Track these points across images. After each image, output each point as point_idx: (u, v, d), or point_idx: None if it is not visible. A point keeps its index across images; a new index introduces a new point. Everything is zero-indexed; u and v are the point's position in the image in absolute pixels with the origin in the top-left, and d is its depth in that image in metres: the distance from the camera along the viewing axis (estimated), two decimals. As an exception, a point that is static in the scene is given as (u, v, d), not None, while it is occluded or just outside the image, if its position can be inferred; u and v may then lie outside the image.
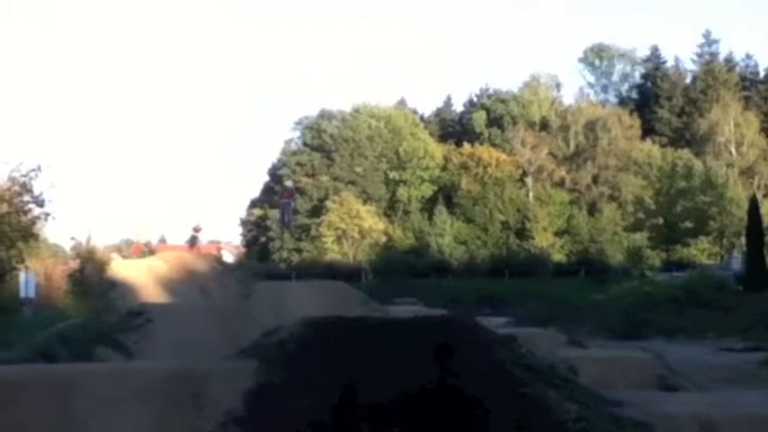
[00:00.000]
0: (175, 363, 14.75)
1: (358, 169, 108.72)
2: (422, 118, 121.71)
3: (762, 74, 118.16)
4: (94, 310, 32.00)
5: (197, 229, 56.98)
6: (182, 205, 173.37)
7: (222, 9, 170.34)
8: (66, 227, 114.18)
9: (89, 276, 41.00)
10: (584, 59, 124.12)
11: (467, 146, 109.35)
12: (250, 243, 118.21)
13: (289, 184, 59.57)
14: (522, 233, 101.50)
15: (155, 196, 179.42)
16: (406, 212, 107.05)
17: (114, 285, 40.25)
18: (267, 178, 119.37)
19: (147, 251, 58.09)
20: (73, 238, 48.43)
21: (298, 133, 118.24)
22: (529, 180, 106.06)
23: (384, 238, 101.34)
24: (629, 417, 14.11)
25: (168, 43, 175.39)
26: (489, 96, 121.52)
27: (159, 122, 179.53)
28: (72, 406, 12.98)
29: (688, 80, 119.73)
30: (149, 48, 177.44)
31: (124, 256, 53.62)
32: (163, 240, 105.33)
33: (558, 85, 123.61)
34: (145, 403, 13.14)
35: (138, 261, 49.30)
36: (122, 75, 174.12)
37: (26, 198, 35.92)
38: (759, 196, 77.64)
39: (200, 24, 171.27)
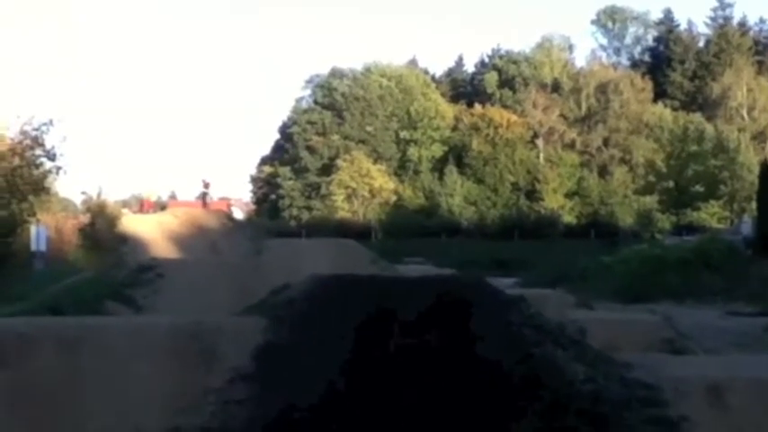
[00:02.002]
0: (184, 318, 14.74)
1: (369, 128, 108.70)
2: (433, 78, 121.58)
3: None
4: (105, 265, 32.06)
5: (206, 185, 57.04)
6: (192, 162, 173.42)
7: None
8: (77, 181, 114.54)
9: (100, 231, 41.09)
10: (597, 21, 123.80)
11: (478, 107, 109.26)
12: (260, 200, 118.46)
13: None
14: (532, 195, 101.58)
15: (165, 152, 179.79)
16: (417, 172, 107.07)
17: (125, 240, 40.27)
18: (278, 136, 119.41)
19: (159, 207, 58.16)
20: (84, 193, 48.68)
21: (309, 91, 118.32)
22: (540, 142, 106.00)
23: (394, 198, 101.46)
24: (638, 379, 14.12)
25: (181, 1, 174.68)
26: (501, 57, 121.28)
27: (171, 79, 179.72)
28: (80, 360, 13.00)
29: (701, 44, 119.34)
30: (162, 3, 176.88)
31: (135, 212, 53.72)
32: (173, 196, 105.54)
33: (570, 47, 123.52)
34: (153, 358, 13.17)
35: (149, 216, 49.35)
36: (135, 30, 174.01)
37: (38, 152, 35.99)
38: (770, 161, 77.38)
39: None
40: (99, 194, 46.55)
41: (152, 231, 42.19)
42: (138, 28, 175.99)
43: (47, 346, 12.99)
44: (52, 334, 13.46)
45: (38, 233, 35.92)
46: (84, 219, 43.41)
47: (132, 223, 43.62)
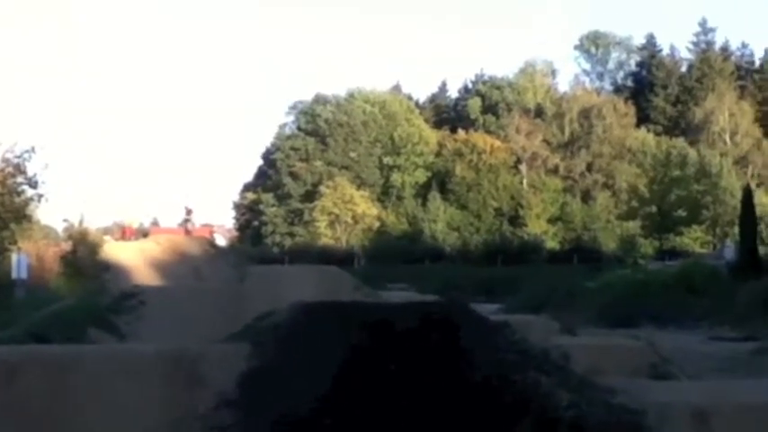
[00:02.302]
0: (168, 345, 14.72)
1: (352, 154, 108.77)
2: (417, 104, 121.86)
3: (757, 63, 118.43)
4: (87, 292, 31.96)
5: (188, 212, 57.00)
6: (175, 188, 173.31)
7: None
8: (58, 209, 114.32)
9: (82, 258, 41.02)
10: (580, 47, 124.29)
11: (461, 132, 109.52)
12: (243, 227, 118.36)
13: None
14: (515, 220, 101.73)
15: (148, 179, 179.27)
16: (400, 198, 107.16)
17: (107, 267, 40.25)
18: (261, 162, 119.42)
19: (141, 234, 58.04)
20: (65, 220, 48.51)
21: (292, 117, 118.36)
22: (523, 167, 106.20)
23: (377, 224, 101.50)
24: (622, 404, 14.11)
25: (161, 26, 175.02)
26: (485, 83, 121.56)
27: (153, 105, 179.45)
28: (66, 388, 12.96)
29: (683, 69, 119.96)
30: (141, 30, 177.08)
31: (117, 239, 53.60)
32: (156, 223, 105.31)
33: (553, 72, 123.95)
34: (137, 385, 13.12)
35: (131, 243, 49.29)
36: (115, 58, 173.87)
37: (19, 179, 35.96)
38: (753, 185, 77.83)
39: (195, 7, 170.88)
40: (81, 222, 46.48)
41: (134, 258, 42.18)
42: (120, 56, 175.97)
43: (32, 374, 12.94)
44: (38, 361, 13.41)
45: (19, 261, 35.77)
46: (66, 246, 43.32)
47: (114, 250, 43.61)
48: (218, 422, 12.69)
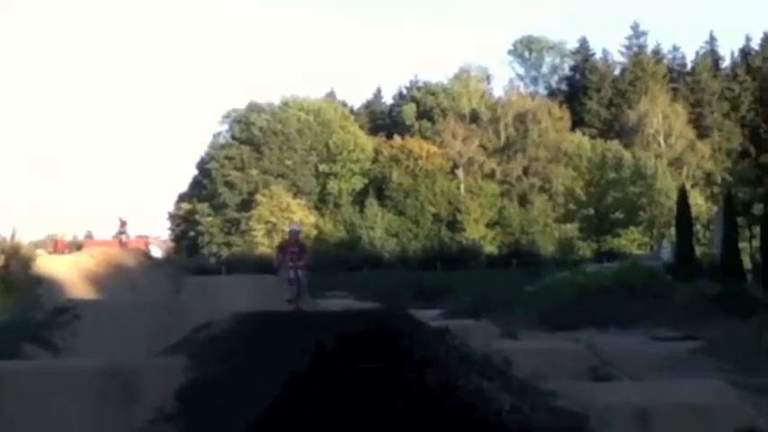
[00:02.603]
0: (104, 360, 14.48)
1: (288, 162, 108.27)
2: (352, 110, 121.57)
3: (689, 65, 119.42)
4: (21, 307, 31.50)
5: (123, 223, 56.45)
6: (109, 200, 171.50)
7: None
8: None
9: (14, 273, 40.37)
10: (514, 51, 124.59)
11: (397, 138, 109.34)
12: (179, 237, 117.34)
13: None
14: (453, 225, 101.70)
15: (81, 191, 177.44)
16: (337, 205, 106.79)
17: (41, 282, 39.63)
18: (195, 172, 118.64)
19: (75, 246, 57.37)
20: (-4, 234, 47.69)
21: (226, 126, 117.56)
22: (460, 172, 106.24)
23: (315, 232, 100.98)
24: (564, 407, 14.07)
25: (94, 34, 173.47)
26: (419, 89, 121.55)
27: (84, 114, 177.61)
28: (0, 404, 12.71)
29: (617, 72, 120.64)
30: (75, 36, 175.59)
31: (50, 252, 52.92)
32: (90, 235, 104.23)
33: (488, 78, 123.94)
34: (74, 401, 12.90)
35: (65, 257, 48.62)
36: (45, 65, 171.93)
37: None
38: (688, 186, 78.36)
39: (127, 14, 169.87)
40: (13, 235, 45.76)
41: (68, 272, 41.57)
42: (51, 63, 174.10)
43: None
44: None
45: (-50, 276, 35.27)
46: (-1, 261, 42.62)
47: (48, 264, 42.96)
48: (157, 436, 12.50)
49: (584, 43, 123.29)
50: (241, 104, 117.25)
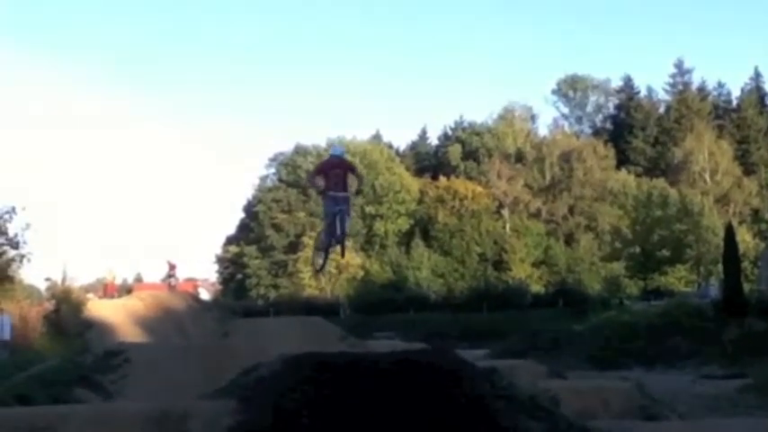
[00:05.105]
0: (155, 403, 14.58)
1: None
2: (397, 152, 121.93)
3: (734, 102, 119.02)
4: (71, 351, 31.74)
5: (172, 267, 56.85)
6: (158, 242, 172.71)
7: (192, 39, 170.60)
8: (41, 267, 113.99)
9: (65, 317, 40.70)
10: (558, 91, 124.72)
11: (442, 179, 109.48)
12: (227, 280, 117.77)
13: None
14: (499, 265, 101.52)
15: (131, 234, 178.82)
16: (383, 246, 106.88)
17: (91, 325, 39.97)
18: (243, 215, 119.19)
19: (124, 290, 57.79)
20: (48, 279, 48.10)
21: (273, 169, 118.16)
22: (505, 212, 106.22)
23: (361, 273, 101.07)
24: (613, 447, 14.04)
25: (143, 78, 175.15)
26: (464, 129, 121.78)
27: (134, 160, 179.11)
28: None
29: (661, 110, 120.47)
30: (124, 85, 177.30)
31: (100, 297, 53.33)
32: (139, 278, 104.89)
33: (532, 117, 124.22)
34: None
35: (115, 301, 49.01)
36: (95, 112, 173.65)
37: (1, 240, 35.77)
38: (734, 223, 77.86)
39: (172, 56, 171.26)
40: (63, 280, 46.18)
41: (118, 315, 41.94)
42: (100, 110, 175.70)
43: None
44: (23, 424, 13.28)
45: (1, 322, 35.56)
46: (49, 305, 42.96)
47: (98, 308, 43.34)
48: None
49: (628, 81, 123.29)
50: (288, 147, 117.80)
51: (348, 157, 19.52)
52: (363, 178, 17.72)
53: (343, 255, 17.74)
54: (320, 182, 17.28)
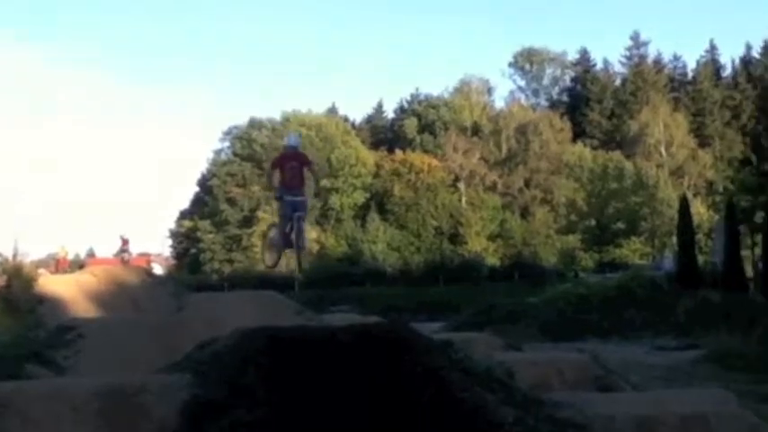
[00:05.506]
0: (108, 378, 14.46)
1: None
2: (353, 125, 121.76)
3: (690, 75, 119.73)
4: (23, 327, 31.49)
5: (124, 242, 56.52)
6: (110, 217, 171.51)
7: (144, 14, 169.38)
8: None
9: (16, 293, 40.36)
10: (515, 64, 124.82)
11: (399, 152, 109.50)
12: (180, 255, 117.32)
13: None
14: (455, 238, 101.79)
15: (82, 209, 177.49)
16: (339, 220, 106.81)
17: (42, 301, 39.62)
18: (197, 189, 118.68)
19: (76, 265, 57.43)
20: (-2, 254, 47.64)
21: (227, 143, 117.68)
22: (461, 185, 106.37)
23: (317, 247, 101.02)
24: (567, 418, 14.06)
25: (95, 49, 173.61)
26: (420, 102, 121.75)
27: (84, 133, 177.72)
28: (4, 427, 12.69)
29: (617, 82, 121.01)
30: (77, 59, 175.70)
31: (52, 272, 52.95)
32: (92, 253, 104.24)
33: (489, 90, 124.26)
34: (78, 421, 12.87)
35: (67, 276, 48.63)
36: (47, 82, 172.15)
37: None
38: (689, 196, 78.49)
39: (122, 25, 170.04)
40: (14, 256, 45.74)
41: (70, 291, 41.56)
42: (52, 80, 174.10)
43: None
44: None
45: (-49, 299, 35.30)
46: (0, 281, 42.62)
47: (50, 284, 42.96)
48: (161, 454, 12.49)
49: (584, 54, 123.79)
50: (242, 121, 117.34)
51: (302, 149, 19.21)
52: (318, 174, 17.46)
53: (300, 269, 17.58)
54: (276, 180, 17.19)
